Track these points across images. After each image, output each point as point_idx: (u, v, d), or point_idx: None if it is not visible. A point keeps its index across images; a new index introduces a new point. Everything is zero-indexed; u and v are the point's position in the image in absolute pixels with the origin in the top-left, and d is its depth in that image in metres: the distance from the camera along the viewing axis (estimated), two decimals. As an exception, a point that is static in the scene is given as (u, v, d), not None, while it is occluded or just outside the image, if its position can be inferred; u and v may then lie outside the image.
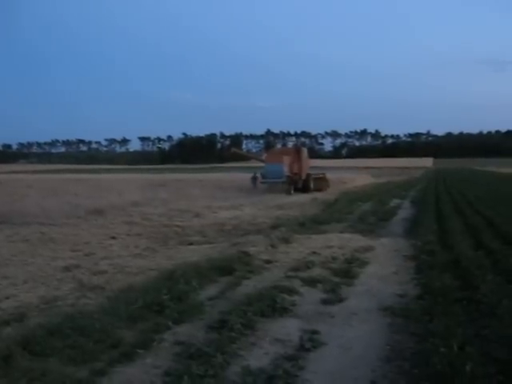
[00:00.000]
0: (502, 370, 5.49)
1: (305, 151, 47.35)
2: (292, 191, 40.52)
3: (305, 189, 42.77)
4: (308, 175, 45.06)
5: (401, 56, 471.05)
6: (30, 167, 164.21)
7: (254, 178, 44.67)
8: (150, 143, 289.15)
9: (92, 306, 8.50)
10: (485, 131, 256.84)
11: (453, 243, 13.52)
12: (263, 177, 42.42)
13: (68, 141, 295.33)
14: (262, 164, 47.04)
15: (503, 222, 17.62)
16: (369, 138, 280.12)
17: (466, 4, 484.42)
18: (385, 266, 12.17)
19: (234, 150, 72.76)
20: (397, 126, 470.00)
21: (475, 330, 6.80)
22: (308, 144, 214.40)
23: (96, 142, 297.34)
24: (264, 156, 52.70)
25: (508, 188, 41.97)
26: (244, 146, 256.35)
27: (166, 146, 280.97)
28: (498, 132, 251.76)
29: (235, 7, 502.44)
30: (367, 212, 23.49)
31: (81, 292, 9.77)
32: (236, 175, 64.94)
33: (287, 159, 43.00)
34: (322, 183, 45.68)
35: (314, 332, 7.36)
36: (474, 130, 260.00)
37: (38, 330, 6.90)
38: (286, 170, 41.92)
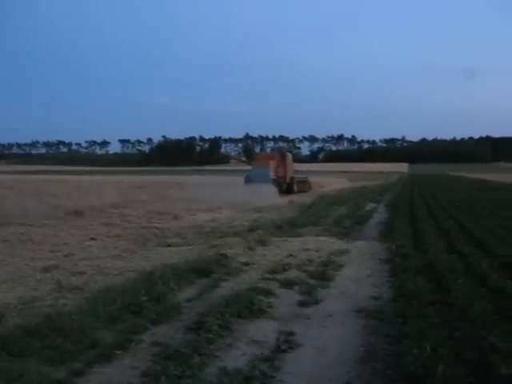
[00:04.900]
0: (473, 372, 5.54)
1: (289, 156, 49.14)
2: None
3: (289, 191, 44.14)
4: (292, 178, 46.59)
5: (376, 64, 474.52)
6: (9, 168, 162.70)
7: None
8: (130, 145, 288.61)
9: (71, 306, 8.43)
10: (458, 138, 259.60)
11: (426, 247, 13.61)
12: (250, 180, 42.94)
13: (48, 142, 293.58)
14: (242, 167, 47.94)
15: (475, 226, 17.79)
16: (345, 143, 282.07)
17: (439, 13, 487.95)
18: (360, 268, 12.23)
19: (223, 153, 74.02)
20: (373, 132, 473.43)
21: (447, 332, 6.84)
22: (285, 148, 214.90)
23: (76, 144, 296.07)
24: (243, 158, 53.98)
25: (480, 193, 42.38)
26: (223, 150, 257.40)
27: (146, 148, 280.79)
28: (471, 138, 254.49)
29: (215, 11, 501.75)
30: (343, 215, 23.55)
31: (59, 293, 9.67)
32: (215, 178, 64.97)
33: (273, 163, 44.46)
34: (304, 186, 47.72)
35: (290, 333, 7.38)
36: (448, 137, 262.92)
37: (17, 331, 6.85)
38: (271, 173, 43.19)
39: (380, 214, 26.19)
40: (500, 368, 5.46)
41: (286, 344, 6.95)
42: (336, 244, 15.54)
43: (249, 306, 8.41)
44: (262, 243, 15.12)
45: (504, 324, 7.10)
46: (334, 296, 9.69)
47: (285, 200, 35.29)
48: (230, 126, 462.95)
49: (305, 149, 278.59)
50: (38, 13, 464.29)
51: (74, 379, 5.73)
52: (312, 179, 51.95)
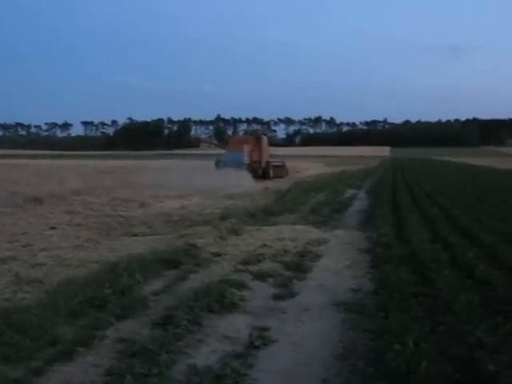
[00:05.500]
0: (458, 368, 5.56)
1: (265, 139, 49.43)
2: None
3: (264, 176, 44.44)
4: (267, 163, 46.81)
5: (356, 43, 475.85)
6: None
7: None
8: (94, 128, 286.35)
9: (29, 300, 8.35)
10: (444, 120, 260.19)
11: (409, 236, 13.64)
12: (224, 164, 42.91)
13: (5, 124, 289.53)
14: (213, 151, 47.99)
15: (461, 214, 17.91)
16: (323, 126, 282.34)
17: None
18: (339, 259, 12.26)
19: (193, 136, 74.01)
20: (353, 114, 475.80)
21: (431, 326, 6.87)
22: (260, 131, 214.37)
23: (36, 126, 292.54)
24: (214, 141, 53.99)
25: (466, 178, 42.71)
26: (193, 132, 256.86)
27: (111, 131, 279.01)
28: (457, 121, 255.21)
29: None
30: (321, 203, 23.59)
31: (17, 286, 9.58)
32: (184, 163, 64.82)
33: (247, 147, 44.60)
34: (281, 171, 48.12)
35: (265, 329, 7.36)
36: (433, 119, 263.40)
37: (-29, 327, 6.77)
38: (246, 157, 43.39)
39: (360, 201, 26.33)
40: (487, 364, 5.48)
41: (260, 340, 6.92)
42: (313, 233, 15.56)
43: (220, 299, 8.38)
44: (235, 232, 15.10)
45: (491, 318, 7.11)
46: (312, 288, 9.69)
47: (259, 186, 35.32)
48: (200, 108, 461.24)
49: (280, 132, 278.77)
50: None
51: (33, 378, 5.67)
52: (288, 164, 52.04)
